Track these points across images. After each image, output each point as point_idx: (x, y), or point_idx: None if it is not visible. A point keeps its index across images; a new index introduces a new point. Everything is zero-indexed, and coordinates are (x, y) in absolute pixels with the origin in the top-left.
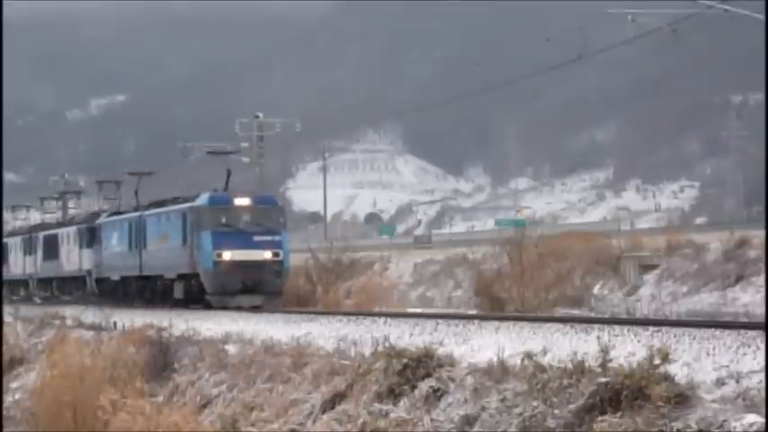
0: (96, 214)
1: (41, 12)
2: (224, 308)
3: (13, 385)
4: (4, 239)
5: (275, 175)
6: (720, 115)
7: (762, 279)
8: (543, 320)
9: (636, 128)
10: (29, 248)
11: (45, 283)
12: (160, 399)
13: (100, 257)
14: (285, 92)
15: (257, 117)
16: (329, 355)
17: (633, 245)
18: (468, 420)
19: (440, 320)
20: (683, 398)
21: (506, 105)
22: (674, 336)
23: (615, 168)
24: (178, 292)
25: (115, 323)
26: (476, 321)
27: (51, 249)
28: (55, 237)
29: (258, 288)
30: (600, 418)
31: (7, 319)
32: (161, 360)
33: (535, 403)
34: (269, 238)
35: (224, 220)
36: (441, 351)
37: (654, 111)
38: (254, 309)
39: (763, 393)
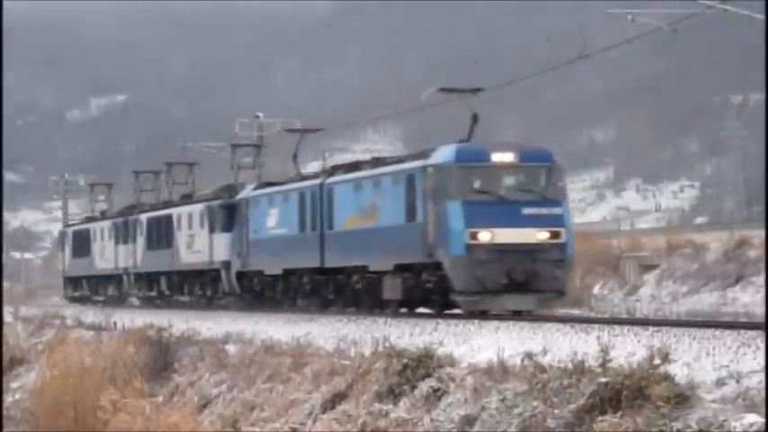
0: (229, 189)
1: (41, 12)
2: (480, 313)
3: (14, 385)
4: (85, 226)
5: (275, 175)
6: (720, 115)
7: (762, 279)
8: (543, 320)
9: (636, 128)
10: (123, 235)
11: (149, 279)
12: (160, 399)
13: (244, 245)
14: (285, 92)
15: (257, 117)
16: (329, 354)
17: (633, 245)
18: (469, 420)
19: (440, 320)
20: (683, 398)
21: (506, 105)
22: (674, 336)
23: (615, 168)
24: (392, 290)
25: (115, 323)
26: (476, 321)
27: (161, 235)
28: (166, 219)
29: (531, 284)
30: (600, 418)
31: (7, 318)
32: (161, 360)
33: (535, 403)
34: (545, 210)
35: (478, 184)
36: (441, 351)
37: (654, 111)
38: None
39: (763, 393)
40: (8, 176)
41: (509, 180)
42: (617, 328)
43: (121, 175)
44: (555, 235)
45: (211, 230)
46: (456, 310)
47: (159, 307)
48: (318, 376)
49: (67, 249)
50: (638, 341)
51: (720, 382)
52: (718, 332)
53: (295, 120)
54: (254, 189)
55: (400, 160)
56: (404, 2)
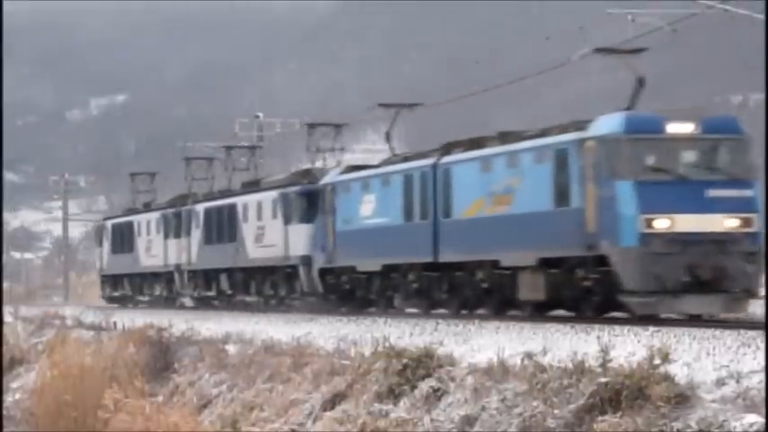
0: (306, 174)
1: (41, 12)
2: (652, 317)
3: (14, 385)
4: (127, 219)
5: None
6: None
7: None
8: (543, 320)
9: None
10: (174, 228)
11: (206, 277)
12: (160, 399)
13: (329, 237)
14: (285, 92)
15: (257, 117)
16: (329, 354)
17: None
18: (469, 420)
19: (440, 320)
20: (683, 398)
21: (506, 105)
22: (674, 336)
23: None
24: (532, 289)
25: (115, 323)
26: (476, 321)
27: (222, 228)
28: (229, 209)
29: (718, 282)
30: (600, 418)
31: (7, 318)
32: (161, 360)
33: (535, 403)
34: (733, 192)
35: (653, 160)
36: (441, 351)
37: (653, 111)
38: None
39: (763, 393)
40: (8, 176)
41: (690, 155)
42: (617, 328)
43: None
44: (746, 222)
45: (287, 221)
46: (622, 312)
47: (217, 308)
48: (318, 376)
49: (106, 245)
50: (638, 341)
51: (720, 382)
52: (717, 332)
53: (295, 120)
54: (342, 173)
55: (543, 133)
56: (404, 2)
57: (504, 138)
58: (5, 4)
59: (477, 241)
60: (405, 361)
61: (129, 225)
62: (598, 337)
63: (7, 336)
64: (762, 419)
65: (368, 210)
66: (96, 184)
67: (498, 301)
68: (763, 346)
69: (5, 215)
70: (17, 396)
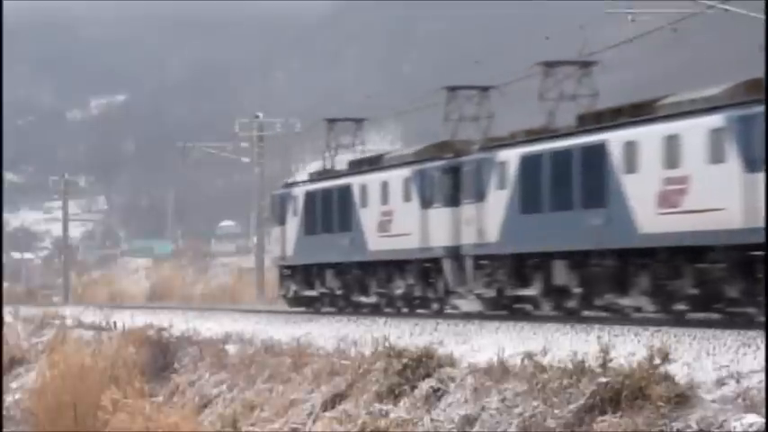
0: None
1: (41, 12)
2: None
3: (13, 385)
4: (340, 181)
5: (275, 174)
6: None
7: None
8: (543, 320)
9: None
10: (445, 191)
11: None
12: (160, 399)
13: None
14: (285, 92)
15: (257, 117)
16: (329, 355)
17: None
18: (469, 420)
19: (440, 320)
20: (683, 398)
21: (506, 105)
22: (674, 336)
23: None
24: None
25: (115, 323)
26: (476, 321)
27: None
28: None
29: None
30: (600, 418)
31: (7, 318)
32: (161, 360)
33: (535, 403)
34: None
35: None
36: (441, 351)
37: None
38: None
39: (763, 393)
40: (8, 176)
41: None
42: (617, 328)
43: (121, 175)
44: None
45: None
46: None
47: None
48: (318, 376)
49: (293, 222)
50: (638, 341)
51: (720, 382)
52: (718, 332)
53: (295, 120)
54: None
55: None
56: (404, 2)
57: None
58: (5, 4)
59: None
60: (405, 361)
61: (344, 191)
62: (598, 337)
63: (7, 336)
64: (762, 419)
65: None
66: (96, 184)
67: None
68: (763, 346)
69: (5, 215)
70: (17, 396)
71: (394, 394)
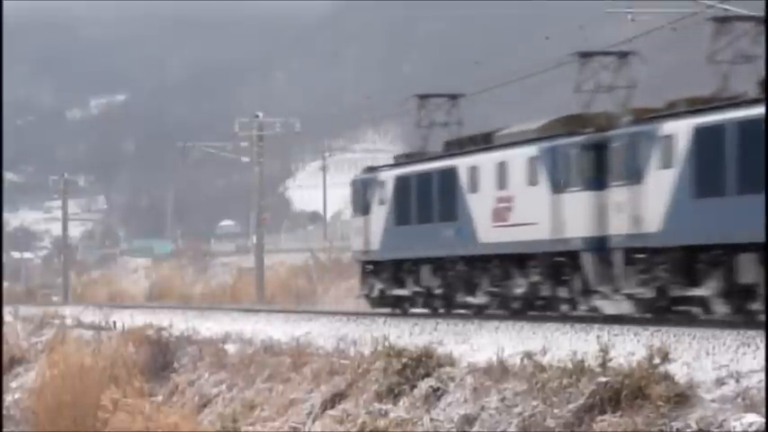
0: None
1: (41, 12)
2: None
3: (13, 385)
4: (442, 164)
5: (275, 174)
6: None
7: None
8: (543, 320)
9: None
10: (585, 173)
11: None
12: (160, 398)
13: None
14: (285, 92)
15: (257, 117)
16: (329, 354)
17: None
18: (468, 420)
19: (439, 320)
20: (682, 397)
21: (506, 105)
22: (674, 335)
23: None
24: None
25: (114, 322)
26: (475, 321)
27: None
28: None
29: None
30: (600, 418)
31: (7, 318)
32: (161, 359)
33: (535, 403)
34: None
35: None
36: (440, 351)
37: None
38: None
39: (762, 393)
40: (8, 176)
41: None
42: (617, 328)
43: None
44: None
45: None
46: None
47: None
48: (318, 376)
49: (379, 211)
50: (638, 341)
51: (720, 382)
52: (717, 332)
53: (295, 120)
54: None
55: None
56: (404, 2)
57: None
58: (5, 4)
59: None
60: (404, 360)
61: (448, 174)
62: (598, 337)
63: (7, 335)
64: (762, 419)
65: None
66: (96, 183)
67: None
68: (762, 345)
69: (5, 215)
70: (17, 396)
71: (393, 394)
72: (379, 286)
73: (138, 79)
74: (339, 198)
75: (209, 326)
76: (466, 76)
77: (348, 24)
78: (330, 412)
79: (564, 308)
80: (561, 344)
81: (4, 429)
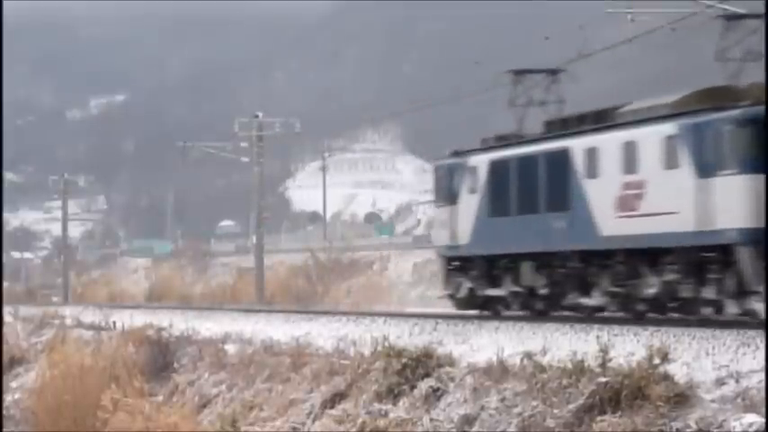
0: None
1: (41, 12)
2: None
3: (13, 385)
4: (552, 145)
5: (275, 174)
6: None
7: None
8: (543, 320)
9: None
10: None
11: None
12: (160, 398)
13: None
14: (285, 92)
15: (257, 117)
16: (328, 354)
17: None
18: (468, 420)
19: (439, 320)
20: (682, 397)
21: (506, 105)
22: (674, 335)
23: None
24: None
25: (114, 322)
26: (475, 321)
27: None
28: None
29: None
30: (599, 418)
31: (7, 318)
32: (161, 360)
33: (534, 403)
34: None
35: None
36: (440, 351)
37: None
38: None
39: (762, 393)
40: (8, 176)
41: None
42: (616, 328)
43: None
44: None
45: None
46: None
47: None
48: (318, 376)
49: (469, 200)
50: (638, 341)
51: (720, 382)
52: (717, 332)
53: (295, 120)
54: None
55: None
56: (404, 2)
57: None
58: (5, 4)
59: None
60: (404, 361)
61: (558, 157)
62: (597, 337)
63: (7, 335)
64: (762, 419)
65: None
66: (96, 183)
67: None
68: (762, 345)
69: (5, 215)
70: (17, 396)
71: (393, 394)
72: (467, 285)
73: (138, 79)
74: (339, 198)
75: (209, 326)
76: (466, 77)
77: (348, 24)
78: (330, 412)
79: (706, 311)
80: (561, 344)
81: (4, 429)
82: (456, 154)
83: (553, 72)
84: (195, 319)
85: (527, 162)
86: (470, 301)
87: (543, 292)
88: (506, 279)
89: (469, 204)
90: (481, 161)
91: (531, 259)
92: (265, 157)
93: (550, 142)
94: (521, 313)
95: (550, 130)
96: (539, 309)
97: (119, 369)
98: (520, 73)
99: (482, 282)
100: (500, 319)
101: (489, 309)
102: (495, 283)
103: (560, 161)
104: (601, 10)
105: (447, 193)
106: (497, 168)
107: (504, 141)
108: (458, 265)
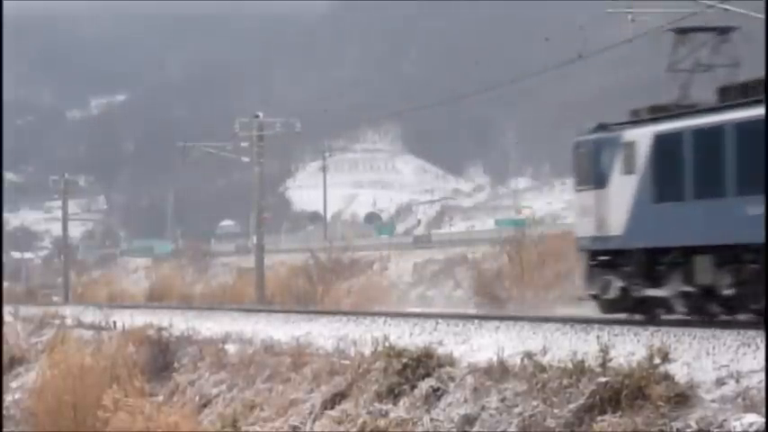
0: None
1: (41, 12)
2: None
3: (13, 385)
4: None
5: (275, 174)
6: None
7: None
8: (543, 320)
9: None
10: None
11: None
12: (160, 398)
13: None
14: (285, 92)
15: (257, 117)
16: (329, 354)
17: None
18: (468, 420)
19: (440, 320)
20: (682, 397)
21: (506, 105)
22: (674, 335)
23: None
24: None
25: (115, 322)
26: (475, 321)
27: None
28: (706, 135)
29: None
30: (600, 418)
31: (7, 318)
32: (161, 359)
33: (535, 403)
34: None
35: None
36: (440, 351)
37: None
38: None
39: (762, 393)
40: (8, 176)
41: None
42: (617, 328)
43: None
44: None
45: None
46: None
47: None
48: (318, 376)
49: (624, 182)
50: (638, 341)
51: (720, 382)
52: (717, 332)
53: (295, 120)
54: None
55: None
56: (404, 1)
57: None
58: (5, 4)
59: None
60: (404, 361)
61: (748, 129)
62: (598, 337)
63: (7, 335)
64: (762, 419)
65: None
66: (96, 183)
67: None
68: (762, 345)
69: (5, 215)
70: (17, 396)
71: (394, 394)
72: (618, 284)
73: (138, 79)
74: (339, 198)
75: (210, 326)
76: (465, 76)
77: (348, 24)
78: (330, 412)
79: None
80: (561, 344)
81: (4, 429)
82: (603, 128)
83: (723, 30)
84: (195, 318)
85: (708, 135)
86: (621, 303)
87: (727, 293)
88: (674, 277)
89: (624, 187)
90: (641, 135)
91: (712, 253)
92: (265, 157)
93: (739, 111)
94: (687, 318)
95: (722, 100)
96: (714, 312)
97: (119, 369)
98: (683, 32)
99: (639, 280)
100: (500, 318)
101: (644, 312)
102: (656, 281)
103: (755, 134)
104: (601, 10)
105: (592, 175)
106: (665, 143)
107: (668, 112)
108: (606, 259)
